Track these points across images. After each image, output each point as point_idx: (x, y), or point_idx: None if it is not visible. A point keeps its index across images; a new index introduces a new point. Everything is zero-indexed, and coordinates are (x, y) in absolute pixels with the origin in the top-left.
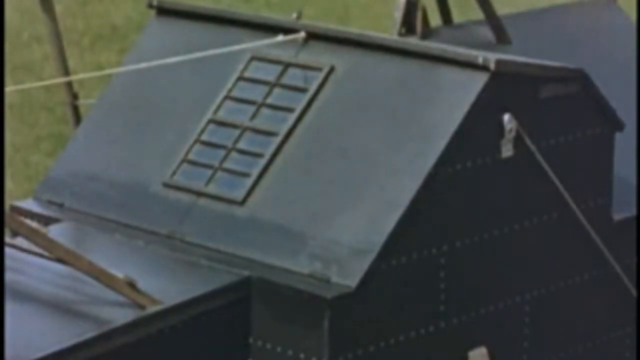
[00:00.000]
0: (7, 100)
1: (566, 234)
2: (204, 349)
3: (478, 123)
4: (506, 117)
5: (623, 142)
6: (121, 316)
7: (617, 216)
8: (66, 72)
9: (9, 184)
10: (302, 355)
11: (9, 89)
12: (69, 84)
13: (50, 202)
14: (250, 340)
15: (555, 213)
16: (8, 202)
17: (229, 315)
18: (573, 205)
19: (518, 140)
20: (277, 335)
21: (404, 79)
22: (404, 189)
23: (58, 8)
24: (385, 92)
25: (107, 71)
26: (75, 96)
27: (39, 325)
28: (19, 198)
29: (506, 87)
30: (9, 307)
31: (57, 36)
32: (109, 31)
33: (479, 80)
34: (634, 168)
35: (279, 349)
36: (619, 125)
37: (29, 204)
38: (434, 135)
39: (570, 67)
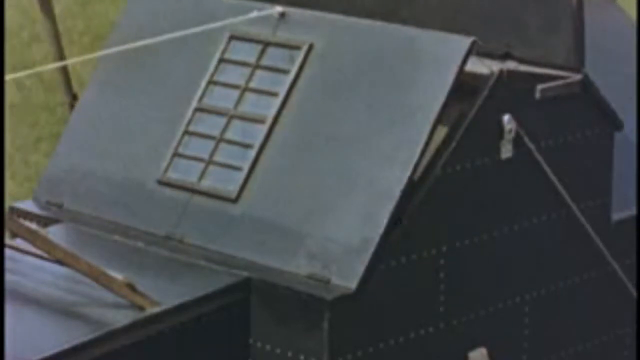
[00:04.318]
0: (7, 100)
1: (566, 234)
2: (203, 350)
3: (478, 124)
4: (506, 117)
5: (623, 142)
6: (120, 318)
7: (616, 216)
8: (66, 72)
9: (9, 184)
10: (301, 357)
11: (8, 76)
12: (69, 85)
13: (49, 203)
14: (250, 341)
15: (554, 213)
16: (8, 202)
17: (228, 316)
18: (572, 205)
19: (518, 141)
20: (277, 336)
21: (383, 56)
22: (394, 180)
23: (58, 8)
24: (365, 70)
25: (90, 55)
26: (74, 96)
27: (38, 327)
28: (19, 198)
29: (506, 87)
30: (9, 308)
31: (56, 36)
32: (108, 31)
33: (459, 52)
34: (634, 168)
35: (278, 351)
36: (618, 125)
37: (28, 205)
38: (418, 118)
39: (569, 67)
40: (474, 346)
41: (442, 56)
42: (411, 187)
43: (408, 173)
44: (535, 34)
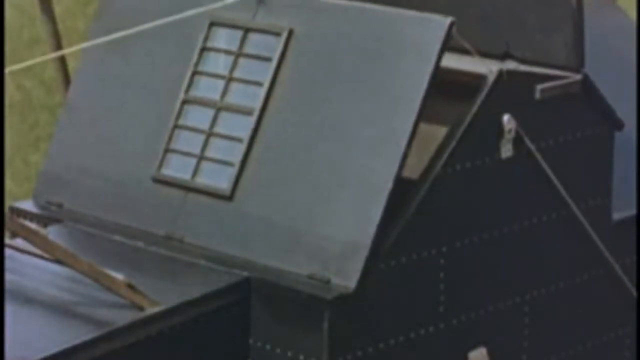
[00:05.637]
0: (8, 100)
1: (566, 234)
2: (203, 350)
3: (477, 124)
4: (506, 117)
5: (623, 142)
6: (120, 318)
7: (616, 216)
8: (65, 72)
9: (9, 184)
10: (301, 357)
11: (8, 69)
12: (68, 85)
13: (50, 203)
14: (250, 341)
15: (554, 213)
16: (8, 202)
17: (228, 316)
18: (573, 205)
19: (517, 141)
20: (277, 336)
21: (364, 40)
22: (384, 172)
23: (58, 9)
24: (346, 56)
25: (75, 48)
26: None
27: (38, 327)
28: (19, 198)
29: (505, 87)
30: (8, 308)
31: (56, 37)
32: None
33: (439, 35)
34: (634, 168)
35: (278, 350)
36: (619, 125)
37: (28, 205)
38: (402, 107)
39: (569, 67)
40: (474, 346)
41: (423, 40)
42: (402, 182)
43: (397, 165)
44: (535, 34)
